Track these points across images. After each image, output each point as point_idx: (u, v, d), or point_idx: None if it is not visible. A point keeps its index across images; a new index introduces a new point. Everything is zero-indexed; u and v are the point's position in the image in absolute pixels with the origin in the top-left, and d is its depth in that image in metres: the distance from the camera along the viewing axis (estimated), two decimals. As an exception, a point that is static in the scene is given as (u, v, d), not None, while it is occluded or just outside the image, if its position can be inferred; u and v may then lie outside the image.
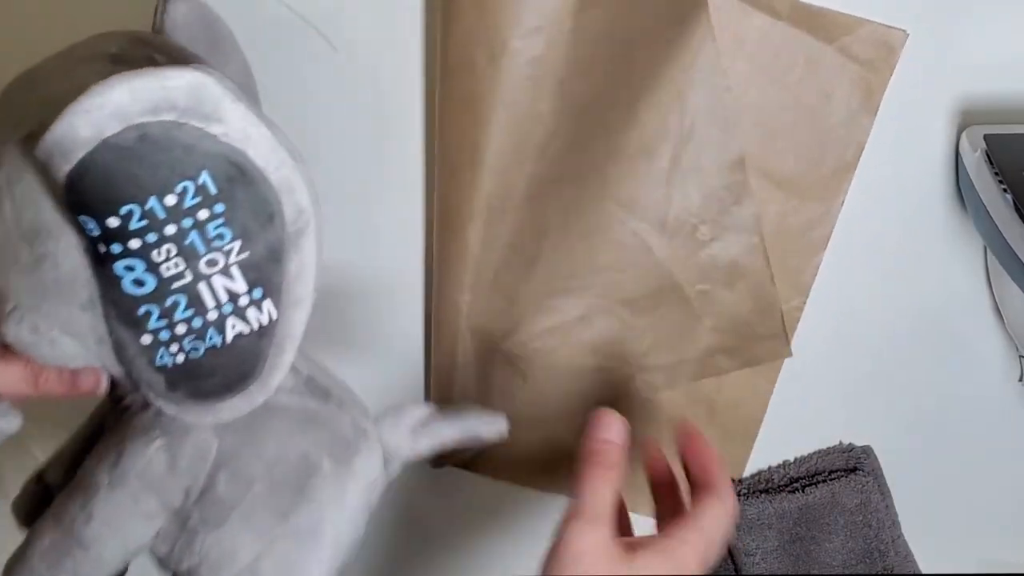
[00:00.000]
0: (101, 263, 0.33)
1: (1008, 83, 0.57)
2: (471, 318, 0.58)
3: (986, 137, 0.56)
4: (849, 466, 0.64)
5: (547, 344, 0.58)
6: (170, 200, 0.32)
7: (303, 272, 0.36)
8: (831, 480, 0.63)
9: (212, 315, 0.35)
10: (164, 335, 0.34)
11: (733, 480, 0.63)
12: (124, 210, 0.31)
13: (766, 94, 0.55)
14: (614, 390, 0.59)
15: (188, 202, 0.32)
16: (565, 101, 0.54)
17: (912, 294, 0.62)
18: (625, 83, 0.54)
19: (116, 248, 0.32)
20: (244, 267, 0.34)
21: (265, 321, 0.36)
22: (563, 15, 0.53)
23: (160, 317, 0.34)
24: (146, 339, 0.34)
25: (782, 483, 0.64)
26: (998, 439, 0.65)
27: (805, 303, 0.60)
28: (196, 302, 0.34)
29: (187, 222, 0.33)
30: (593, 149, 0.54)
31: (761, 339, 0.60)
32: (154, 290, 0.33)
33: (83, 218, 0.32)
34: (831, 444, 0.64)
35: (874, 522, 0.64)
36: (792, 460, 0.64)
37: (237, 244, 0.34)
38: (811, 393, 0.63)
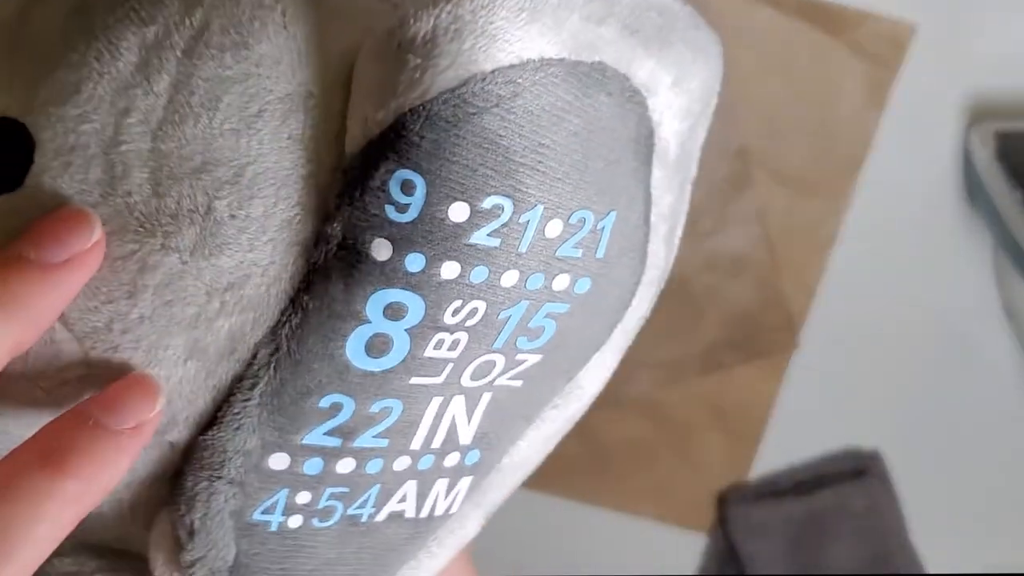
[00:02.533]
0: (346, 282, 0.19)
1: (1020, 78, 0.57)
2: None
3: (997, 134, 0.56)
4: (856, 470, 0.64)
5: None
6: (556, 226, 0.20)
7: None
8: (838, 484, 0.64)
9: (400, 463, 0.21)
10: (312, 465, 0.20)
11: (739, 483, 0.63)
12: (490, 202, 0.19)
13: (772, 88, 0.55)
14: (615, 387, 0.59)
15: (571, 240, 0.20)
16: None
17: (920, 294, 0.61)
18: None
19: (414, 262, 0.19)
20: (496, 403, 0.22)
21: (440, 510, 0.23)
22: None
23: (333, 430, 0.20)
24: (279, 462, 0.20)
25: (788, 487, 0.64)
26: (1007, 442, 0.65)
27: (811, 303, 0.60)
28: (405, 428, 0.21)
29: (537, 279, 0.20)
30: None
31: (767, 331, 0.60)
32: (386, 371, 0.20)
33: (382, 178, 0.18)
34: (838, 447, 0.64)
35: (882, 526, 0.64)
36: (798, 464, 0.64)
37: (536, 358, 0.22)
38: (817, 396, 0.62)
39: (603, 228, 0.21)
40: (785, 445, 0.63)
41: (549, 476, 0.61)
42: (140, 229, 0.19)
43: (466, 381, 0.21)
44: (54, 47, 0.20)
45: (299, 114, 0.19)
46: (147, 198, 0.19)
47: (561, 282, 0.21)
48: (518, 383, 0.22)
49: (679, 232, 0.24)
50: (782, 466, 0.64)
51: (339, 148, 0.19)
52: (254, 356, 0.20)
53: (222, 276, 0.20)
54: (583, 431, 0.62)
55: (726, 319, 0.59)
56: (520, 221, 0.19)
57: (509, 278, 0.20)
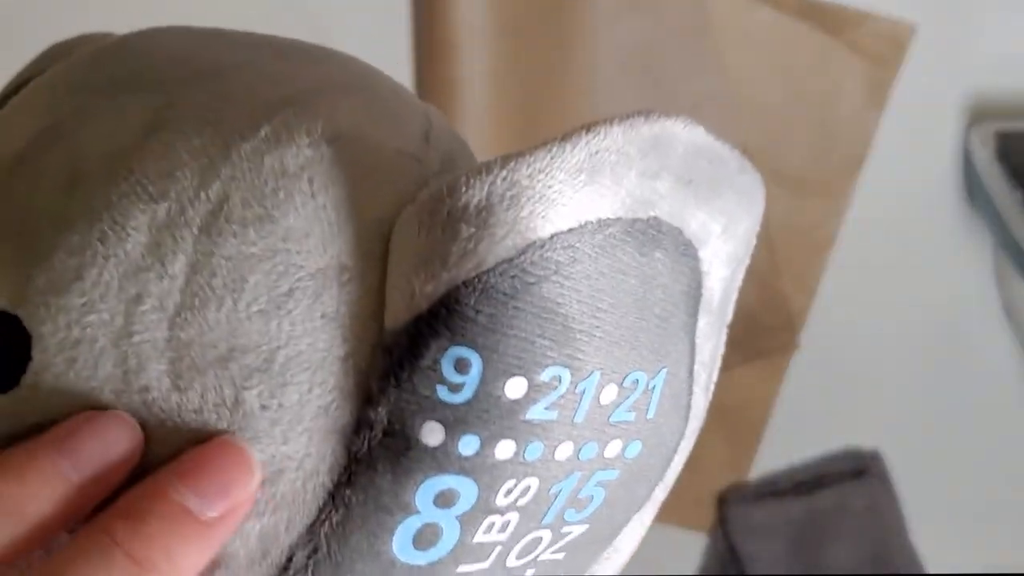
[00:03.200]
0: (394, 472, 0.18)
1: (1020, 78, 0.57)
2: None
3: (997, 134, 0.56)
4: (856, 470, 0.64)
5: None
6: (611, 391, 0.18)
7: None
8: (838, 484, 0.63)
9: None
10: None
11: (739, 483, 0.63)
12: (548, 374, 0.17)
13: (772, 89, 0.55)
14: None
15: (624, 404, 0.19)
16: (551, 86, 0.54)
17: (920, 294, 0.61)
18: (618, 71, 0.54)
19: (468, 444, 0.17)
20: None
21: None
22: (550, 3, 0.53)
23: None
24: None
25: (788, 487, 0.64)
26: (1006, 442, 0.65)
27: (811, 303, 0.60)
28: None
29: (590, 449, 0.19)
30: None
31: (767, 331, 0.60)
32: (433, 563, 0.18)
33: (434, 357, 0.17)
34: (838, 447, 0.64)
35: (882, 526, 0.64)
36: (799, 464, 0.64)
37: (582, 529, 0.20)
38: (817, 396, 0.62)
39: (654, 387, 0.19)
40: (785, 445, 0.63)
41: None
42: (159, 430, 0.17)
43: (511, 561, 0.19)
44: (48, 228, 0.18)
45: (333, 290, 0.18)
46: (167, 393, 0.17)
47: (613, 448, 0.19)
48: (560, 555, 0.21)
49: (715, 377, 0.23)
50: (782, 466, 0.64)
51: (378, 324, 0.18)
52: (289, 559, 0.18)
53: None
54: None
55: (726, 319, 0.59)
56: (577, 391, 0.18)
57: (564, 451, 0.18)
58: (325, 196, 0.18)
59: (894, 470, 0.64)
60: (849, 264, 0.59)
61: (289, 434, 0.17)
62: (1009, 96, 0.57)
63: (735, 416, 0.62)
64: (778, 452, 0.63)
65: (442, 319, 0.17)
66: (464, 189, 0.17)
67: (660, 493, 0.23)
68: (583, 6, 0.54)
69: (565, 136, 0.17)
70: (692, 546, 0.63)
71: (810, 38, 0.54)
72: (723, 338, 0.23)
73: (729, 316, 0.23)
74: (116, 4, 0.49)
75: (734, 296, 0.23)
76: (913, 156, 0.58)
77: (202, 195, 0.18)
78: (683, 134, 0.18)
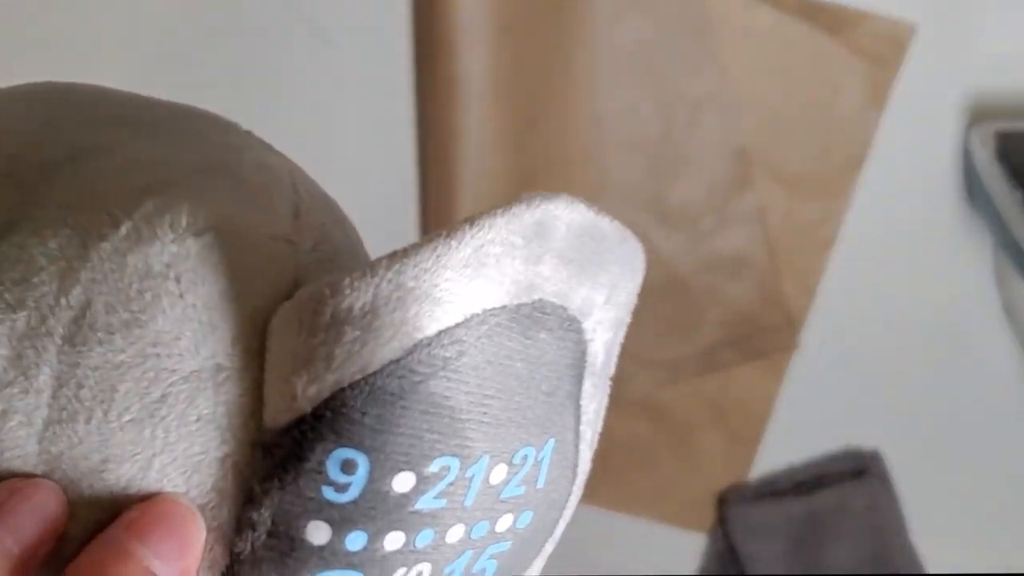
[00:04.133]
0: (280, 572, 0.17)
1: (1020, 78, 0.57)
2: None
3: (997, 134, 0.55)
4: (856, 470, 0.64)
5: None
6: (500, 471, 0.18)
7: None
8: (838, 484, 0.63)
9: None
10: None
11: (739, 483, 0.63)
12: (437, 464, 0.17)
13: (771, 88, 0.55)
14: (615, 387, 0.59)
15: (514, 480, 0.19)
16: (551, 86, 0.54)
17: (920, 294, 0.61)
18: (618, 71, 0.54)
19: (356, 541, 0.17)
20: None
21: None
22: (550, 3, 0.53)
23: None
24: None
25: (788, 487, 0.64)
26: (1006, 442, 0.65)
27: (811, 303, 0.59)
28: None
29: (481, 528, 0.19)
30: (584, 135, 0.54)
31: (767, 330, 0.60)
32: None
33: (319, 459, 0.17)
34: (838, 447, 0.64)
35: (882, 526, 0.64)
36: (798, 464, 0.64)
37: None
38: (817, 396, 0.62)
39: (543, 458, 0.19)
40: (785, 445, 0.63)
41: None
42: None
43: None
44: None
45: (208, 392, 0.17)
46: None
47: (505, 523, 0.19)
48: None
49: (599, 429, 0.23)
50: (782, 466, 0.64)
51: (258, 422, 0.17)
52: None
53: None
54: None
55: (726, 319, 0.59)
56: (466, 476, 0.18)
57: (455, 534, 0.18)
58: (195, 294, 0.17)
59: (894, 470, 0.64)
60: (849, 264, 0.59)
61: None
62: (1009, 96, 0.57)
63: (735, 416, 0.62)
64: (778, 452, 0.63)
65: (327, 422, 0.16)
66: (349, 291, 0.16)
67: (549, 547, 0.23)
68: (583, 6, 0.54)
69: (450, 232, 0.17)
70: (692, 546, 0.63)
71: (810, 38, 0.54)
72: (607, 391, 0.23)
73: (612, 370, 0.22)
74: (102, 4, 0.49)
75: (616, 351, 0.22)
76: (913, 156, 0.58)
77: (63, 301, 0.17)
78: (565, 215, 0.18)
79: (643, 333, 0.59)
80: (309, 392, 0.16)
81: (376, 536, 0.17)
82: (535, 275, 0.18)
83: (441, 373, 0.17)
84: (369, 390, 0.16)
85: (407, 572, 0.18)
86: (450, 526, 0.18)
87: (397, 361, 0.16)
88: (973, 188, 0.57)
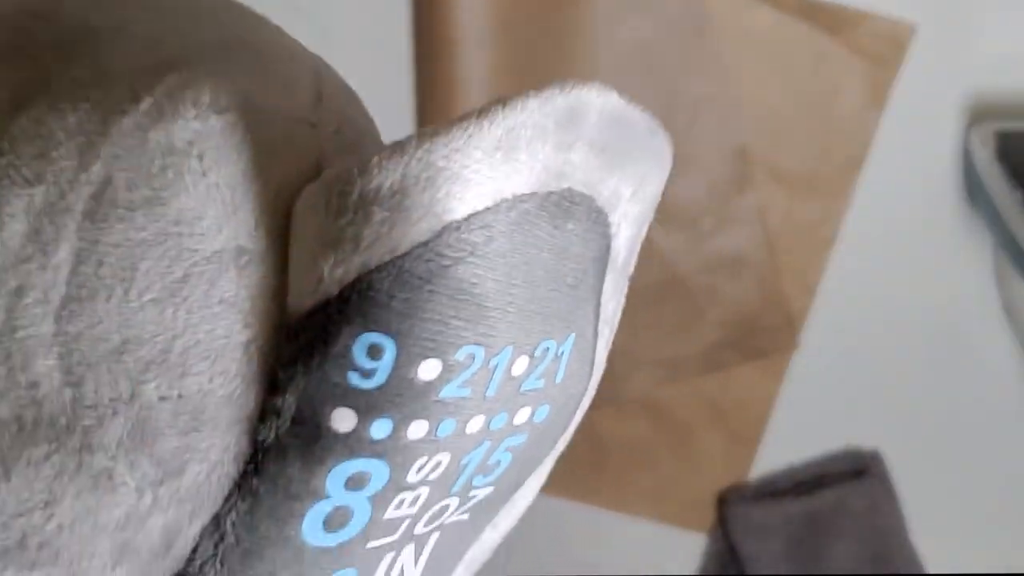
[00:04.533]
0: (304, 460, 0.17)
1: (1020, 77, 0.56)
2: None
3: (997, 133, 0.55)
4: (856, 470, 0.64)
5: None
6: (522, 363, 0.18)
7: None
8: (838, 484, 0.63)
9: None
10: None
11: (739, 483, 0.63)
12: (463, 353, 0.17)
13: (772, 88, 0.55)
14: (615, 387, 0.59)
15: (535, 373, 0.19)
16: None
17: (920, 294, 0.61)
18: (618, 71, 0.54)
19: (380, 428, 0.17)
20: (443, 539, 0.20)
21: None
22: (550, 3, 0.53)
23: None
24: None
25: (788, 487, 0.64)
26: (1007, 442, 0.65)
27: (811, 303, 0.59)
28: None
29: (501, 419, 0.19)
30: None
31: (767, 331, 0.60)
32: (343, 543, 0.18)
33: (345, 343, 0.16)
34: (838, 447, 0.64)
35: (882, 527, 0.64)
36: (799, 464, 0.64)
37: (488, 491, 0.20)
38: (817, 396, 0.62)
39: (563, 353, 0.19)
40: (785, 445, 0.63)
41: (549, 477, 0.61)
42: (53, 427, 0.16)
43: (419, 529, 0.19)
44: None
45: (231, 273, 0.17)
46: (58, 389, 0.16)
47: (523, 415, 0.19)
48: (465, 516, 0.20)
49: (615, 327, 0.22)
50: (782, 466, 0.64)
51: (282, 306, 0.17)
52: (195, 550, 0.17)
53: (155, 469, 0.17)
54: (583, 431, 0.62)
55: (726, 319, 0.59)
56: (490, 366, 0.17)
57: (475, 424, 0.18)
58: (217, 173, 0.17)
59: (894, 470, 0.64)
60: (849, 264, 0.59)
61: (191, 425, 0.17)
62: (1009, 96, 0.57)
63: (735, 416, 0.62)
64: (778, 452, 0.63)
65: (354, 305, 0.16)
66: (377, 171, 0.16)
67: (561, 444, 0.22)
68: (583, 6, 0.54)
69: (482, 112, 0.16)
70: (692, 546, 0.63)
71: (810, 38, 0.54)
72: (624, 291, 0.22)
73: (631, 269, 0.22)
74: None
75: (637, 249, 0.22)
76: (913, 156, 0.58)
77: (82, 177, 0.16)
78: (597, 102, 0.17)
79: (643, 333, 0.59)
80: (336, 274, 0.16)
81: (401, 424, 0.17)
82: (565, 162, 0.17)
83: (469, 258, 0.16)
84: (397, 273, 0.16)
85: (427, 461, 0.17)
86: (471, 416, 0.18)
87: (426, 244, 0.16)
88: (973, 188, 0.57)
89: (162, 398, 0.16)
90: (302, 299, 0.16)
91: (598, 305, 0.20)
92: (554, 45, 0.54)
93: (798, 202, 0.57)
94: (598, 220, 0.19)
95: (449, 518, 0.20)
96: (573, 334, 0.19)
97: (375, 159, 0.16)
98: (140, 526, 0.17)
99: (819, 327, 0.60)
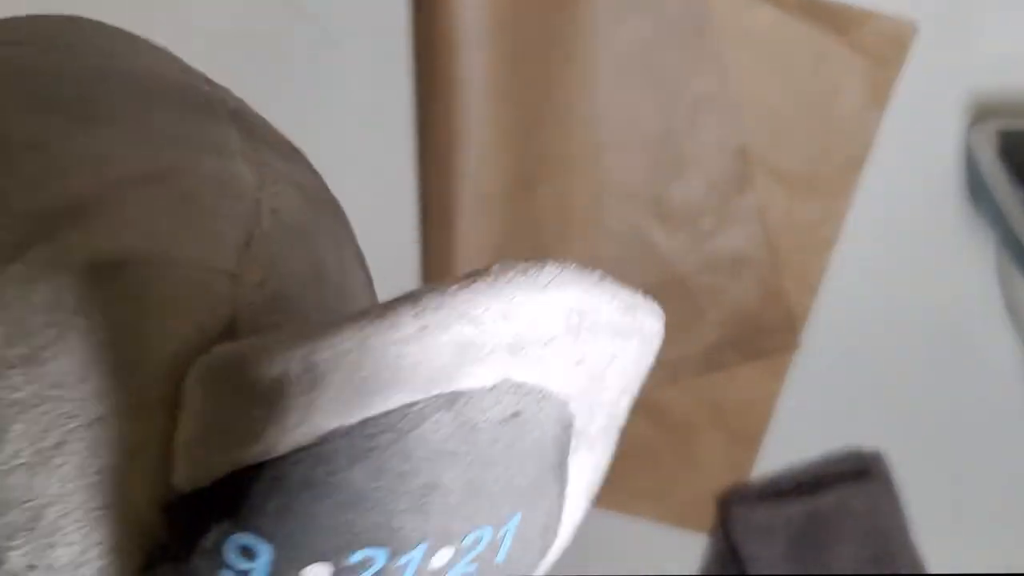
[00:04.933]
0: None
1: (1021, 76, 0.56)
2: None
3: (999, 133, 0.55)
4: (858, 470, 0.64)
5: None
6: (445, 554, 0.16)
7: None
8: (840, 485, 0.63)
9: None
10: None
11: (740, 484, 0.63)
12: (359, 556, 0.15)
13: (772, 88, 0.55)
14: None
15: (464, 560, 0.17)
16: (551, 86, 0.54)
17: (921, 294, 0.61)
18: (618, 71, 0.54)
19: None
20: None
21: None
22: (550, 3, 0.53)
23: None
24: None
25: (789, 488, 0.63)
26: (1009, 442, 0.65)
27: (811, 303, 0.59)
28: None
29: None
30: (584, 135, 0.54)
31: (767, 331, 0.59)
32: None
33: (215, 540, 0.15)
34: (839, 448, 0.64)
35: (884, 527, 0.64)
36: (800, 464, 0.64)
37: None
38: (819, 396, 0.62)
39: (505, 534, 0.17)
40: (786, 446, 0.63)
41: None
42: None
43: None
44: None
45: (113, 442, 0.15)
46: None
47: None
48: None
49: (600, 479, 0.20)
50: (783, 467, 0.63)
51: (165, 481, 0.15)
52: None
53: None
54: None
55: (726, 319, 0.59)
56: (398, 565, 0.15)
57: None
58: (106, 333, 0.15)
59: (896, 471, 0.64)
60: (850, 264, 0.59)
61: None
62: (1011, 95, 0.57)
63: (735, 416, 0.62)
64: (779, 453, 0.63)
65: (224, 502, 0.15)
66: (266, 359, 0.14)
67: None
68: (583, 6, 0.54)
69: (392, 306, 0.14)
70: (692, 546, 0.63)
71: (810, 38, 0.54)
72: (611, 445, 0.20)
73: (621, 422, 0.20)
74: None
75: (626, 407, 0.20)
76: (914, 155, 0.58)
77: None
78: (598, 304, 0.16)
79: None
80: (209, 464, 0.15)
81: None
82: (506, 360, 0.15)
83: (363, 463, 0.14)
84: (272, 476, 0.14)
85: None
86: None
87: (307, 448, 0.14)
88: (975, 187, 0.57)
89: (30, 566, 0.15)
90: (181, 481, 0.15)
91: (563, 478, 0.18)
92: (554, 45, 0.54)
93: (798, 202, 0.57)
94: (544, 404, 0.17)
95: None
96: (519, 514, 0.17)
97: (266, 344, 0.14)
98: None
99: (820, 327, 0.60)
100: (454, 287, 0.15)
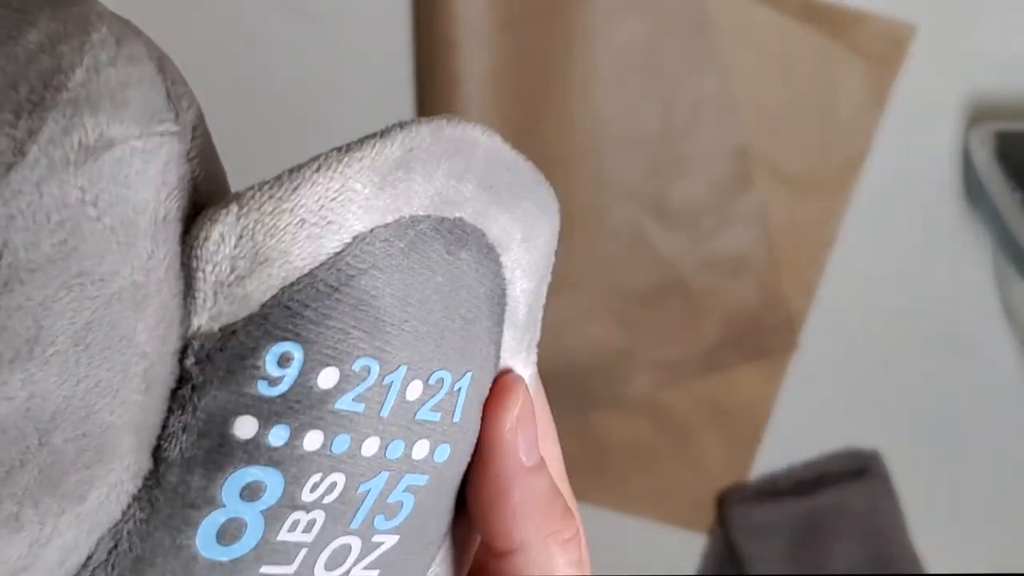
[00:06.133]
0: (204, 468, 0.17)
1: (1019, 78, 0.56)
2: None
3: (996, 134, 0.55)
4: (856, 470, 0.64)
5: (547, 343, 0.58)
6: (416, 387, 0.19)
7: None
8: (838, 484, 0.63)
9: None
10: None
11: (739, 483, 0.63)
12: (359, 364, 0.17)
13: (772, 89, 0.55)
14: (616, 388, 0.59)
15: (429, 403, 0.19)
16: (551, 86, 0.54)
17: (919, 294, 0.61)
18: (618, 71, 0.54)
19: (278, 435, 0.17)
20: None
21: None
22: (550, 3, 0.53)
23: None
24: None
25: (788, 487, 0.63)
26: (1006, 441, 0.65)
27: (811, 303, 0.59)
28: None
29: (397, 447, 0.19)
30: (584, 135, 0.54)
31: (767, 330, 0.59)
32: (236, 559, 0.18)
33: (259, 353, 0.17)
34: (838, 447, 0.64)
35: (882, 526, 0.64)
36: (799, 464, 0.64)
37: (393, 540, 0.20)
38: (817, 396, 0.62)
39: (459, 389, 0.19)
40: (785, 445, 0.63)
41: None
42: None
43: (319, 571, 0.19)
44: None
45: (128, 311, 0.16)
46: None
47: (421, 449, 0.19)
48: (374, 572, 0.20)
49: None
50: (782, 466, 0.64)
51: (184, 330, 0.17)
52: (89, 556, 0.17)
53: (58, 503, 0.16)
54: (583, 431, 0.62)
55: (726, 319, 0.59)
56: (384, 383, 0.18)
57: (370, 446, 0.18)
58: (111, 215, 0.16)
59: (894, 470, 0.64)
60: (849, 264, 0.59)
61: (94, 459, 0.16)
62: (1009, 96, 0.57)
63: (735, 416, 0.62)
64: (778, 452, 0.63)
65: (273, 318, 0.16)
66: (305, 188, 0.16)
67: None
68: (583, 6, 0.54)
69: (384, 132, 0.17)
70: (692, 546, 0.63)
71: (810, 38, 0.54)
72: (532, 358, 0.23)
73: (536, 335, 0.23)
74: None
75: (539, 315, 0.22)
76: (913, 156, 0.58)
77: None
78: (483, 140, 0.18)
79: (643, 334, 0.59)
80: (258, 291, 0.16)
81: (297, 432, 0.17)
82: (456, 192, 0.18)
83: (371, 271, 0.17)
84: (311, 283, 0.17)
85: (322, 479, 0.18)
86: (366, 436, 0.18)
87: (338, 254, 0.17)
88: (973, 188, 0.57)
89: (67, 440, 0.16)
90: (214, 319, 0.16)
91: (498, 356, 0.21)
92: (554, 45, 0.54)
93: (798, 202, 0.57)
94: (489, 256, 0.19)
95: (355, 568, 0.19)
96: (470, 373, 0.19)
97: (296, 177, 0.16)
98: (39, 552, 0.16)
99: (819, 327, 0.60)
100: (427, 122, 0.17)
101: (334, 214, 0.17)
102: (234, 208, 0.16)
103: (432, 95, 0.54)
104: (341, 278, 0.17)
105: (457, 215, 0.18)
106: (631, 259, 0.57)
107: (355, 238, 0.17)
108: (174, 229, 0.17)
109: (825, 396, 0.63)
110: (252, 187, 0.17)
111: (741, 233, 0.57)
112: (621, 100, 0.55)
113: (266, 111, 0.52)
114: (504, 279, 0.20)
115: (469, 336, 0.19)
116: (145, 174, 0.17)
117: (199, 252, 0.17)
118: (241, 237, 0.16)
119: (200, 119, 0.18)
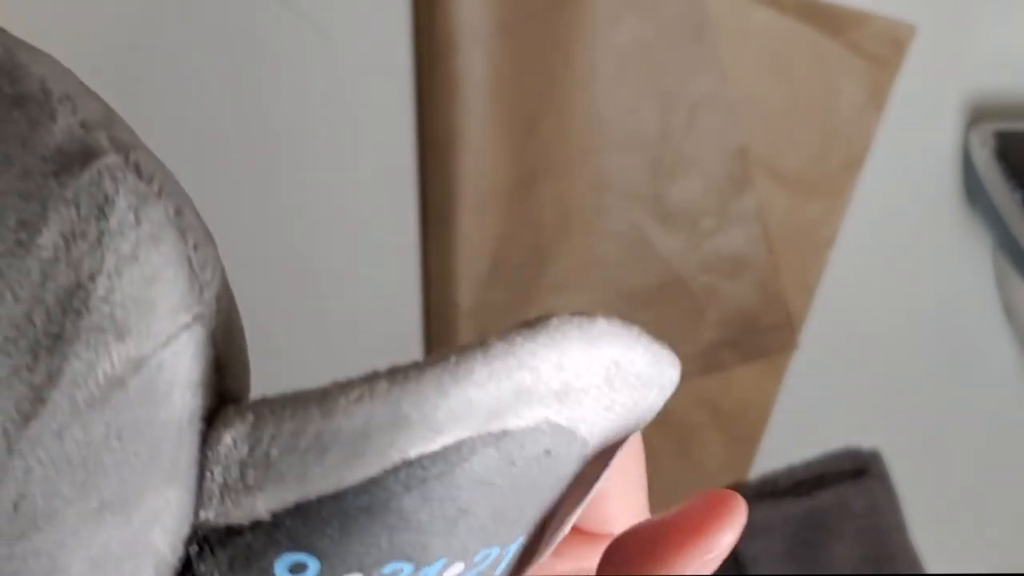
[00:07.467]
0: None
1: (1019, 78, 0.56)
2: (468, 317, 0.57)
3: (996, 134, 0.55)
4: (856, 470, 0.64)
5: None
6: (456, 568, 0.17)
7: None
8: (838, 484, 0.63)
9: None
10: None
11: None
12: (389, 568, 0.16)
13: (771, 89, 0.55)
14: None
15: (473, 571, 0.18)
16: (551, 86, 0.54)
17: (919, 294, 0.61)
18: (618, 71, 0.54)
19: None
20: None
21: None
22: (550, 3, 0.53)
23: None
24: None
25: (788, 487, 0.63)
26: (1007, 442, 0.65)
27: (811, 303, 0.59)
28: None
29: None
30: (584, 135, 0.54)
31: (767, 331, 0.60)
32: None
33: (276, 556, 0.16)
34: (838, 447, 0.64)
35: (882, 527, 0.64)
36: (798, 464, 0.64)
37: None
38: (817, 395, 0.62)
39: (507, 553, 0.18)
40: (785, 445, 0.63)
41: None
42: None
43: None
44: None
45: (148, 522, 0.15)
46: None
47: None
48: None
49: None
50: (782, 466, 0.64)
51: (193, 521, 0.16)
52: None
53: None
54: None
55: (726, 319, 0.59)
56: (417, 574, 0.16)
57: None
58: (135, 442, 0.15)
59: (894, 470, 0.64)
60: (849, 264, 0.59)
61: None
62: (1009, 96, 0.57)
63: (734, 416, 0.62)
64: (778, 452, 0.63)
65: (284, 529, 0.15)
66: (343, 411, 0.15)
67: None
68: (583, 6, 0.54)
69: (459, 355, 0.15)
70: (692, 546, 0.63)
71: (810, 38, 0.54)
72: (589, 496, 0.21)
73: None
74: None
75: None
76: (913, 156, 0.58)
77: None
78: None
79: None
80: (271, 503, 0.15)
81: None
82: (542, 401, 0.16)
83: (416, 491, 0.15)
84: (337, 503, 0.15)
85: None
86: None
87: (374, 479, 0.15)
88: (973, 188, 0.57)
89: None
90: (221, 517, 0.15)
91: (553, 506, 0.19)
92: (554, 45, 0.54)
93: (798, 202, 0.57)
94: (575, 440, 0.18)
95: None
96: (522, 536, 0.18)
97: (341, 399, 0.15)
98: None
99: (819, 327, 0.60)
100: (519, 339, 0.16)
101: (378, 444, 0.15)
102: (257, 419, 0.15)
103: (431, 94, 0.54)
104: (376, 501, 0.15)
105: (543, 418, 0.16)
106: (631, 259, 0.57)
107: (399, 464, 0.15)
108: (197, 428, 0.16)
109: (825, 396, 0.63)
110: (292, 404, 0.15)
111: (740, 233, 0.57)
112: (621, 100, 0.55)
113: (264, 111, 0.52)
114: (587, 452, 0.18)
115: (534, 511, 0.18)
116: (173, 383, 0.15)
117: (210, 453, 0.15)
118: (263, 448, 0.15)
119: (223, 283, 0.17)
